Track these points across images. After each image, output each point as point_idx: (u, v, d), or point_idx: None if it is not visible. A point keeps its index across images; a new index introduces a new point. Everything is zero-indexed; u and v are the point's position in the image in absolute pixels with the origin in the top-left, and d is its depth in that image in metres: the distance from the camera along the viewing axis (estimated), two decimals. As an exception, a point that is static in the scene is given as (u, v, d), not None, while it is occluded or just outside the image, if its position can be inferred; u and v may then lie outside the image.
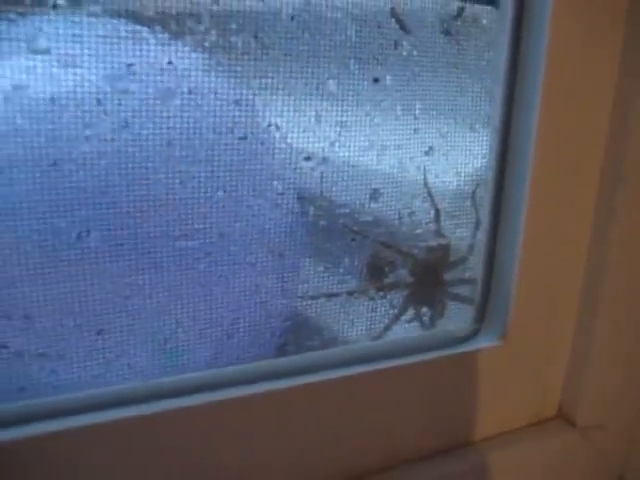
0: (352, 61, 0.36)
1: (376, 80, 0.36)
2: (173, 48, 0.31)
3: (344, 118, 0.38)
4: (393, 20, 0.38)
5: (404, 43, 0.39)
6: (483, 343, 0.42)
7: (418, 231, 0.43)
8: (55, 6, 0.27)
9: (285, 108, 0.35)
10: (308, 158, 0.35)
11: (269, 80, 0.35)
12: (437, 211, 0.42)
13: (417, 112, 0.41)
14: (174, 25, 0.31)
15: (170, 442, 0.34)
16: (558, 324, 0.45)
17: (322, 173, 0.38)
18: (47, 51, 0.27)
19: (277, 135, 0.35)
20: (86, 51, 0.29)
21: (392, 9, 0.38)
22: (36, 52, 0.27)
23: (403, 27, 0.39)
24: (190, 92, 0.31)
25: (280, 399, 0.37)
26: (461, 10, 0.42)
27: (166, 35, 0.31)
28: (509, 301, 0.43)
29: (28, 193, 0.28)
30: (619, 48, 0.42)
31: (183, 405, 0.34)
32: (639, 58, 0.42)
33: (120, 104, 0.30)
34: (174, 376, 0.36)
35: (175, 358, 0.37)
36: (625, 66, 0.42)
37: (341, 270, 0.42)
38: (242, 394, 0.36)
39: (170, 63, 0.30)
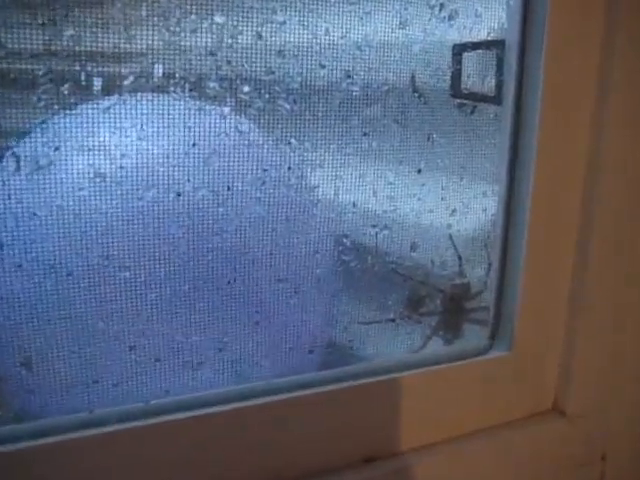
0: (404, 159, 0.51)
1: (419, 171, 0.51)
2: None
3: (395, 194, 0.53)
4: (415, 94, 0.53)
5: (435, 138, 0.55)
6: (495, 354, 0.56)
7: (446, 272, 0.57)
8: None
9: (361, 191, 0.50)
10: (374, 226, 0.51)
11: (350, 173, 0.50)
12: (460, 258, 0.56)
13: (444, 185, 0.56)
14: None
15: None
16: (551, 340, 0.58)
17: (378, 233, 0.53)
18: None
19: (354, 209, 0.51)
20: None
21: (413, 79, 0.53)
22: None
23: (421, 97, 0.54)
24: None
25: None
26: (474, 108, 0.57)
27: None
28: (514, 323, 0.56)
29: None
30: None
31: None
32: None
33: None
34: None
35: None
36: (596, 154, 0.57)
37: (389, 302, 0.57)
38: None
39: (289, 168, 0.46)
